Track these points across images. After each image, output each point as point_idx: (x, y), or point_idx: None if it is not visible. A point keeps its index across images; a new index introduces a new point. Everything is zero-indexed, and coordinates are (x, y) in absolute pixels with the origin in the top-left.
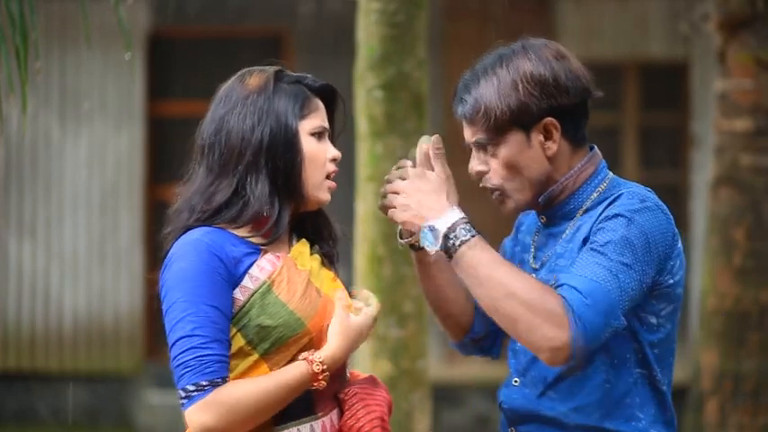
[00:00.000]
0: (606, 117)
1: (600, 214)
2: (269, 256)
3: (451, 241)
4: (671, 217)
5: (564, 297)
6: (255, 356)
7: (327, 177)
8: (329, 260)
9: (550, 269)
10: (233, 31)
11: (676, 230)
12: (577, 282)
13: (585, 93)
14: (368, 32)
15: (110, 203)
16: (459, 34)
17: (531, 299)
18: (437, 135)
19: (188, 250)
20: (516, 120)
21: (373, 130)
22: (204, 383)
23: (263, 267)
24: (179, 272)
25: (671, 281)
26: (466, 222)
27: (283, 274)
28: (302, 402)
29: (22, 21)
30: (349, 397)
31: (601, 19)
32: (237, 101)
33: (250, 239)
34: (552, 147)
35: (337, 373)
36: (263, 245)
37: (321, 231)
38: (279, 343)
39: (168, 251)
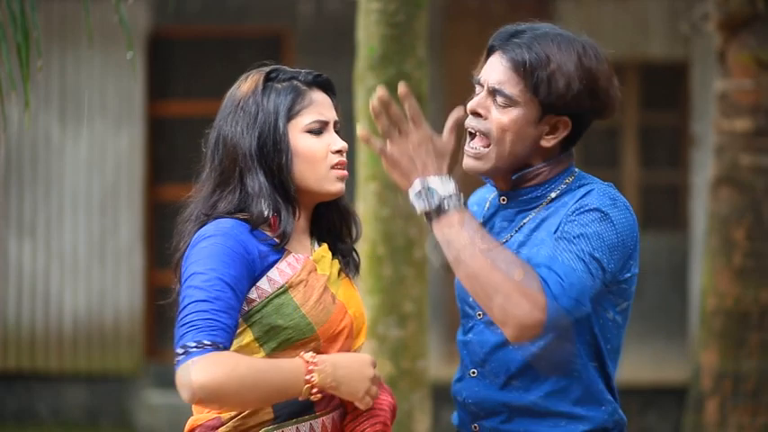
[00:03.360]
0: None
1: (572, 206)
2: (290, 258)
3: (445, 202)
4: (636, 217)
5: (542, 276)
6: (261, 354)
7: (334, 168)
8: (346, 261)
9: None
10: (233, 31)
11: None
12: (554, 264)
13: (607, 113)
14: (368, 32)
15: (110, 203)
16: (459, 34)
17: (514, 276)
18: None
19: (218, 234)
20: (549, 102)
21: (373, 130)
22: (207, 342)
23: (283, 271)
24: (205, 248)
25: (627, 275)
26: (459, 194)
27: (302, 277)
28: (304, 402)
29: (23, 19)
30: None
31: (601, 19)
32: (231, 107)
33: (273, 238)
34: (550, 141)
35: None
36: (280, 245)
37: (339, 228)
38: (286, 344)
39: (182, 242)
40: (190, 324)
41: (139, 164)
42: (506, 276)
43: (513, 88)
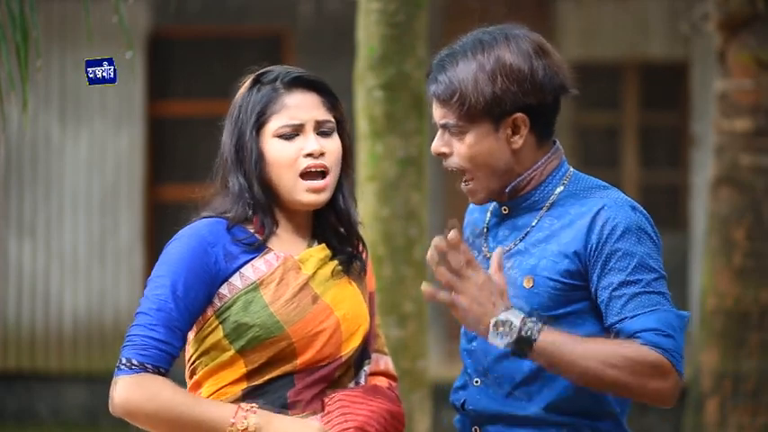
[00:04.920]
0: (606, 117)
1: (590, 229)
2: (270, 255)
3: (525, 331)
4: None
5: (653, 343)
6: (232, 352)
7: (304, 176)
8: (348, 266)
9: (514, 265)
10: (233, 31)
11: None
12: (649, 321)
13: (561, 90)
14: (368, 32)
15: (110, 203)
16: (459, 34)
17: (630, 363)
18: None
19: (185, 236)
20: (488, 111)
21: (373, 130)
22: (136, 363)
23: (258, 268)
24: (167, 252)
25: None
26: (529, 315)
27: (276, 275)
28: (276, 405)
29: (23, 19)
30: (331, 402)
31: (601, 19)
32: (230, 109)
33: (256, 235)
34: (518, 141)
35: (326, 377)
36: (258, 243)
37: (340, 234)
38: (254, 342)
39: None
40: (128, 338)
41: (139, 164)
42: (629, 368)
43: (452, 117)
